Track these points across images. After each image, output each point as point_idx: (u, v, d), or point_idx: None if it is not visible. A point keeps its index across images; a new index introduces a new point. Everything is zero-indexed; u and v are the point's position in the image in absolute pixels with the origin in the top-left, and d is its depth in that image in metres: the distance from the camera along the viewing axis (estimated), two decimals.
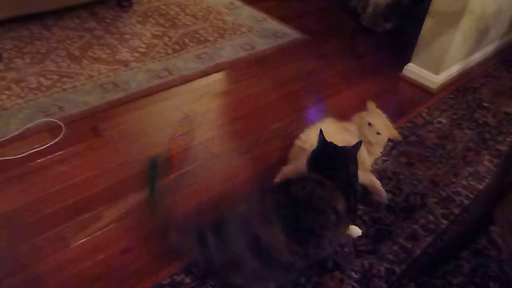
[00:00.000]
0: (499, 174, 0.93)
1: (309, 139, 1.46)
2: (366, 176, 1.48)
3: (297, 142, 1.49)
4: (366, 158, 1.52)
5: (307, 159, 1.22)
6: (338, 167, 1.15)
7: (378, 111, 1.58)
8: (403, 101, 2.08)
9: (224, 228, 1.02)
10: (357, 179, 1.21)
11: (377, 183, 1.49)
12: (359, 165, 1.24)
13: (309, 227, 1.00)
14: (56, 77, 1.95)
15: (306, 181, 1.07)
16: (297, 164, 1.43)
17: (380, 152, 1.59)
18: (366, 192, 1.49)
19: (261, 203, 1.02)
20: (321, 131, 1.21)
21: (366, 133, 1.51)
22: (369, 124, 1.51)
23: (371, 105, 1.59)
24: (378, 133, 1.50)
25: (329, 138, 1.21)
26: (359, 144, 1.21)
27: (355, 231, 1.35)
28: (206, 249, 1.03)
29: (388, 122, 1.56)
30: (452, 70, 2.19)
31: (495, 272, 1.28)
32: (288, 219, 0.98)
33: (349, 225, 1.26)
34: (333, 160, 1.17)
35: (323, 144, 1.20)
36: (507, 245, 0.87)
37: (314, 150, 1.22)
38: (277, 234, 0.97)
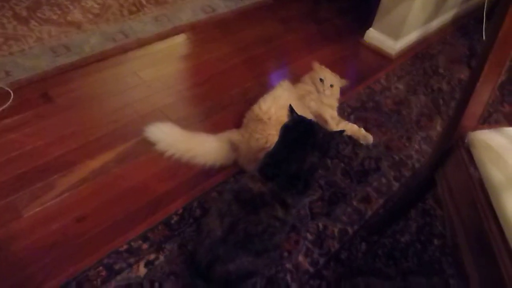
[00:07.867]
0: (442, 139, 0.97)
1: (269, 111, 1.44)
2: (348, 127, 1.66)
3: (255, 109, 1.48)
4: (329, 120, 1.62)
5: (280, 131, 1.14)
6: (306, 148, 1.09)
7: (323, 67, 1.71)
8: (363, 67, 2.10)
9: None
10: (314, 170, 1.14)
11: (362, 130, 1.65)
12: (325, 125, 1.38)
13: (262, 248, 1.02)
14: (1, 39, 1.82)
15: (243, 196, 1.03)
16: (245, 134, 1.43)
17: (337, 104, 1.72)
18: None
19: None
20: (291, 108, 1.14)
21: (321, 88, 1.64)
22: (321, 79, 1.64)
23: (315, 64, 1.70)
24: (331, 85, 1.65)
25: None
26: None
27: (369, 139, 1.63)
28: None
29: (334, 74, 1.71)
30: (411, 36, 2.22)
31: (439, 230, 1.37)
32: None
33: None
34: (302, 139, 1.10)
35: (297, 120, 1.13)
36: (445, 206, 0.92)
37: (287, 124, 1.13)
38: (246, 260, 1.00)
